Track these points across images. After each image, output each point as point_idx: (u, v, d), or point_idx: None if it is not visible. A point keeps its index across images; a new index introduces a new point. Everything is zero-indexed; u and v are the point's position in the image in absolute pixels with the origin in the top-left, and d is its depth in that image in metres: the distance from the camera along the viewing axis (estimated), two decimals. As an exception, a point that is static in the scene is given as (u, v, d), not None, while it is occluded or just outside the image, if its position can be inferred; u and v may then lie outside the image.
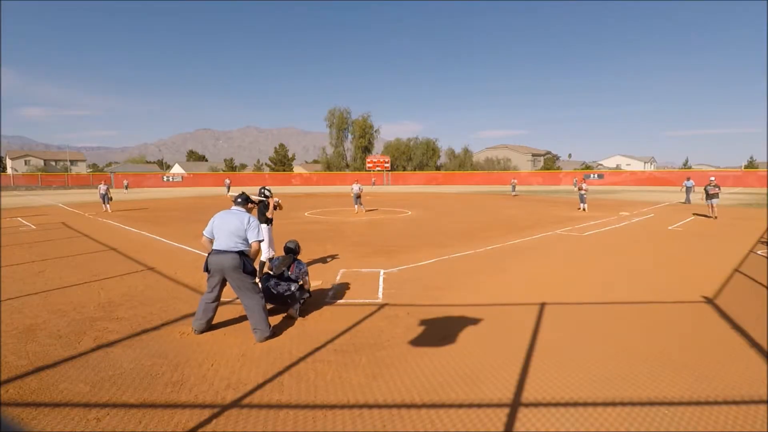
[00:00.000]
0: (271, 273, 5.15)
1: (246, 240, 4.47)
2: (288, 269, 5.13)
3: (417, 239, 10.94)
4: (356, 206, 17.85)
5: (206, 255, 4.51)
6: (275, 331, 4.49)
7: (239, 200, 4.78)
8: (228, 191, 31.95)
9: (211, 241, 4.53)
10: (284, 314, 5.03)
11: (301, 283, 5.08)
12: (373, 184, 53.01)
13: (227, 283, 4.48)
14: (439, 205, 23.24)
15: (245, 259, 4.41)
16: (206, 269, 4.47)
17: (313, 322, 4.89)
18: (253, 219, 4.60)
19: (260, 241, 4.58)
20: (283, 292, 4.92)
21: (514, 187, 31.49)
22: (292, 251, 5.31)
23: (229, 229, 4.43)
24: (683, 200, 22.38)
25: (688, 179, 23.08)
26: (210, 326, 4.58)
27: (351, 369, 3.70)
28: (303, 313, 5.12)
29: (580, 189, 18.18)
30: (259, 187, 7.16)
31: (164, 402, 3.17)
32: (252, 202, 4.97)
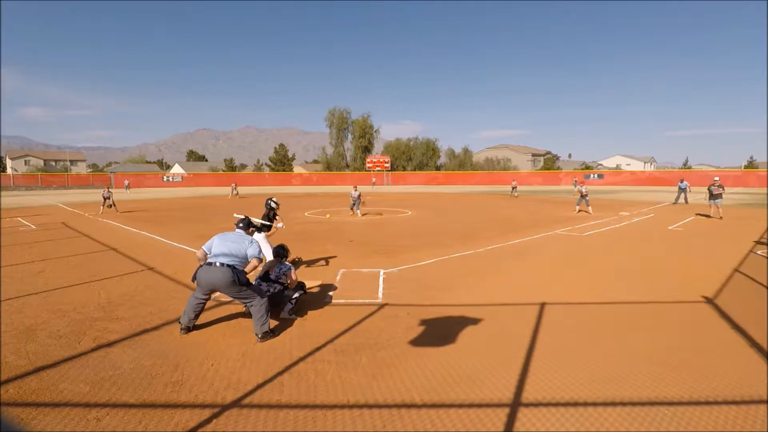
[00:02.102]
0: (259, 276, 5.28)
1: (242, 260, 4.49)
2: (269, 271, 5.22)
3: (417, 239, 10.94)
4: (353, 210, 17.34)
5: (198, 266, 4.49)
6: (275, 331, 4.50)
7: (241, 225, 4.90)
8: (232, 193, 31.79)
9: (206, 256, 4.52)
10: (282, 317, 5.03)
11: (283, 281, 5.14)
12: (374, 184, 52.84)
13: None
14: (439, 205, 23.25)
15: (237, 272, 4.38)
16: (194, 280, 4.46)
17: (313, 322, 4.89)
18: (255, 241, 4.70)
19: (260, 259, 4.63)
20: (265, 291, 4.98)
21: (514, 188, 30.34)
22: (277, 255, 5.41)
23: (228, 247, 4.48)
24: (674, 201, 22.04)
25: (682, 180, 22.66)
26: (195, 325, 4.60)
27: (351, 369, 3.70)
28: (299, 312, 5.13)
29: (580, 193, 17.83)
30: (267, 199, 7.60)
31: (164, 402, 3.17)
32: (254, 226, 5.05)
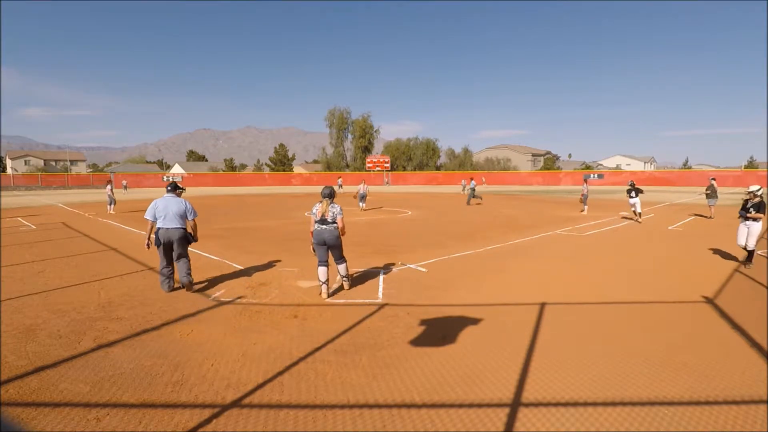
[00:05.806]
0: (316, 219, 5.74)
1: (184, 219, 5.98)
2: (325, 214, 5.62)
3: (417, 239, 10.93)
4: (361, 204, 19.08)
5: (154, 233, 5.85)
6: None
7: (169, 188, 6.07)
8: (340, 189, 33.38)
9: (154, 223, 5.85)
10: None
11: (337, 223, 5.65)
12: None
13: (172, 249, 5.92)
14: (439, 205, 23.24)
15: (188, 233, 6.04)
16: (158, 243, 5.82)
17: (313, 322, 4.89)
18: (189, 203, 6.06)
19: (195, 218, 6.17)
20: (327, 237, 5.62)
21: (464, 188, 30.61)
22: (329, 195, 5.72)
23: (174, 211, 5.87)
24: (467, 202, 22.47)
25: (471, 179, 23.43)
26: (175, 286, 6.02)
27: (351, 369, 3.70)
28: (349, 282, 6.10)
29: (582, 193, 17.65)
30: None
31: (164, 402, 3.17)
32: (180, 188, 6.17)
